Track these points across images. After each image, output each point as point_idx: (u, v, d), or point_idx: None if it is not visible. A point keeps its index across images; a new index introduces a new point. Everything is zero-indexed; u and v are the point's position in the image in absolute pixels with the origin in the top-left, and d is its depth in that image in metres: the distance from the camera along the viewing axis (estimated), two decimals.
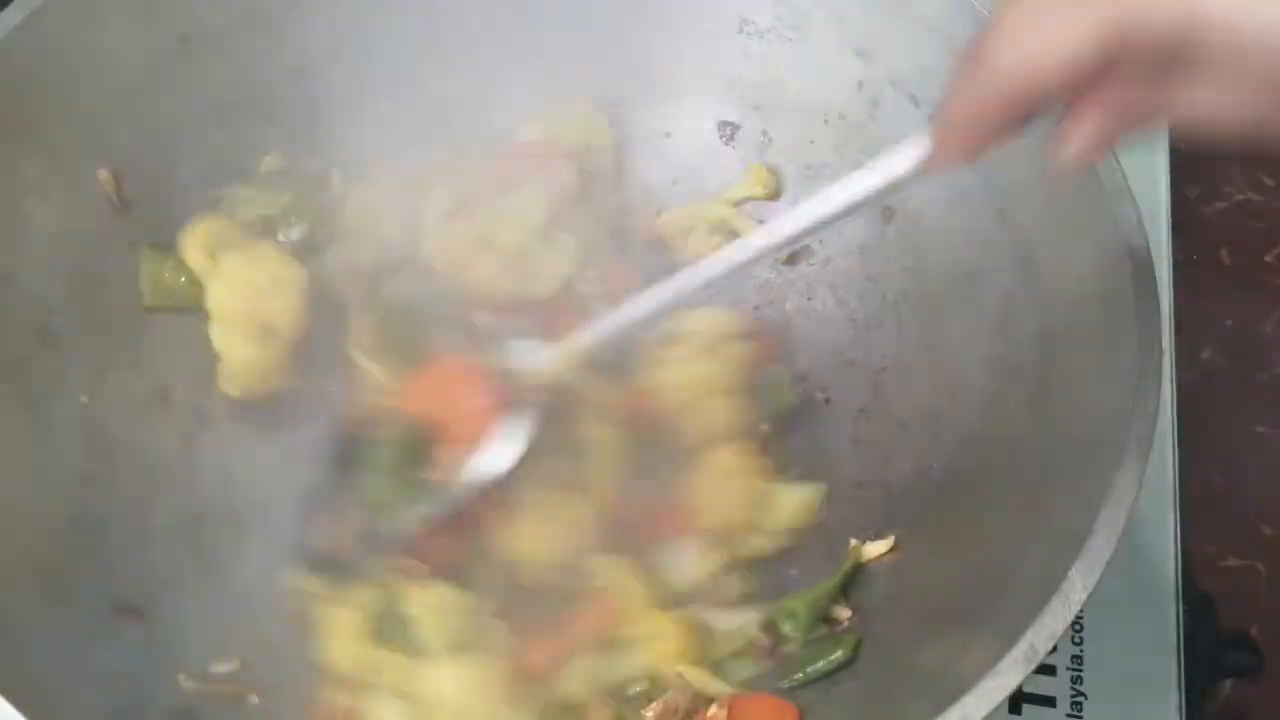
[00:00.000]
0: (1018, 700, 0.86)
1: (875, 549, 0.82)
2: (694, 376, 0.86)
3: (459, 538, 0.80)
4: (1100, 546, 0.63)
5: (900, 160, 0.63)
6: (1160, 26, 0.51)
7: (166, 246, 0.87)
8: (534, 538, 0.79)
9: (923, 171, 0.62)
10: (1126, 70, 0.53)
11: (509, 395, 0.79)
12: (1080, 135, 0.56)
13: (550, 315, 0.87)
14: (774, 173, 0.95)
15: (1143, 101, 0.55)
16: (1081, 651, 0.87)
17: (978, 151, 0.60)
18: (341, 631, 0.76)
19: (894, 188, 0.64)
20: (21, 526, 0.75)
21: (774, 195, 0.95)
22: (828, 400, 0.90)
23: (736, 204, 0.95)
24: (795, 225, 0.68)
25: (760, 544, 0.84)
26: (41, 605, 0.74)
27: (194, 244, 0.86)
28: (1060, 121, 0.57)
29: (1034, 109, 0.56)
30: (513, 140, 0.94)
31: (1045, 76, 0.53)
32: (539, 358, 0.80)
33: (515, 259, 0.89)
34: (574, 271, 0.91)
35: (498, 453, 0.79)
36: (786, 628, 0.79)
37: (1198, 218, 1.62)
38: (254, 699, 0.77)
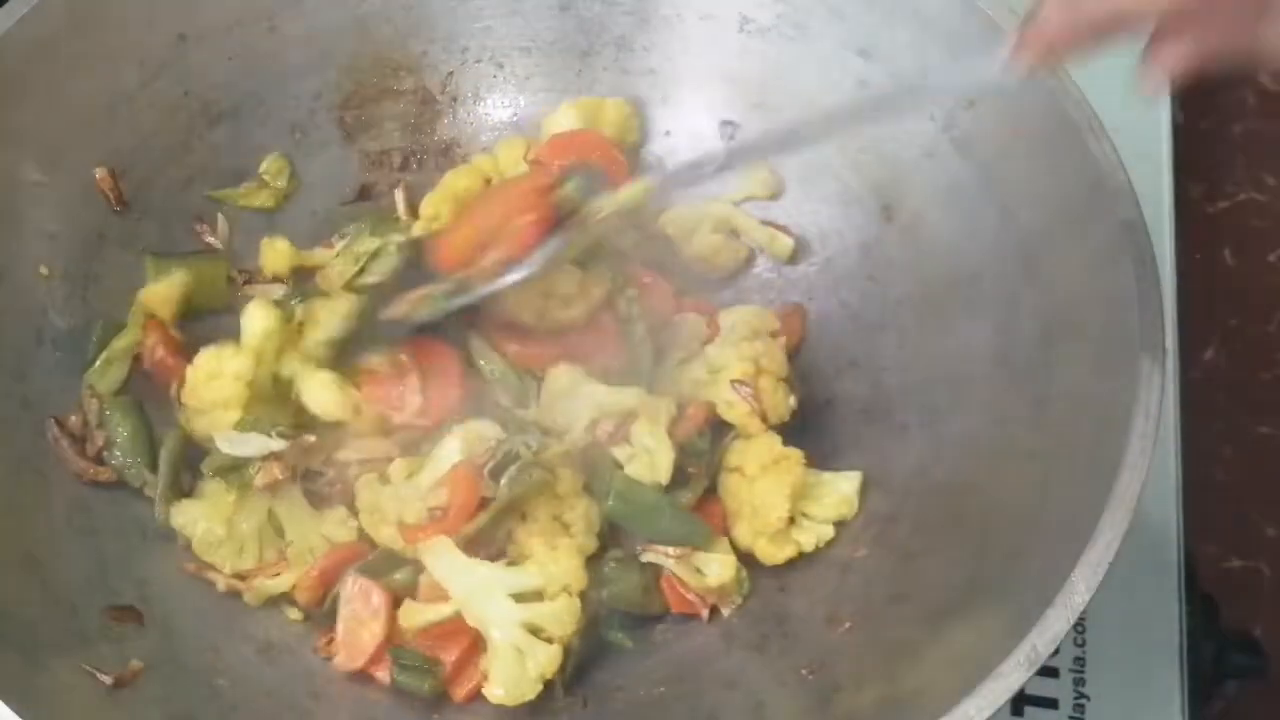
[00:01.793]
0: (1020, 702, 0.85)
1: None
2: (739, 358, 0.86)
3: None
4: (1103, 548, 0.63)
5: (982, 63, 0.63)
6: None
7: (165, 254, 0.87)
8: None
9: (1002, 75, 0.62)
10: (1212, 7, 0.54)
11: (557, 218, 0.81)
12: (1167, 60, 0.57)
13: None
14: (774, 173, 0.94)
15: (1237, 31, 0.55)
16: (1084, 653, 0.87)
17: (1060, 60, 0.61)
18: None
19: (972, 88, 0.67)
20: (22, 526, 0.75)
21: (775, 195, 0.95)
22: (829, 401, 0.90)
23: (738, 203, 0.95)
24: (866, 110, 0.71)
25: (808, 538, 0.83)
26: (40, 605, 0.74)
27: None
28: (1149, 45, 0.57)
29: (1130, 29, 0.57)
30: (546, 134, 0.94)
31: (1137, 7, 0.55)
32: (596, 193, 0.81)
33: None
34: None
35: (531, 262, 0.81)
36: None
37: (1200, 217, 1.62)
38: None
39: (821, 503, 0.84)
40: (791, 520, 0.83)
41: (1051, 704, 0.85)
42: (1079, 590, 0.62)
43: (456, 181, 0.93)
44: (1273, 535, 1.50)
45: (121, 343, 0.84)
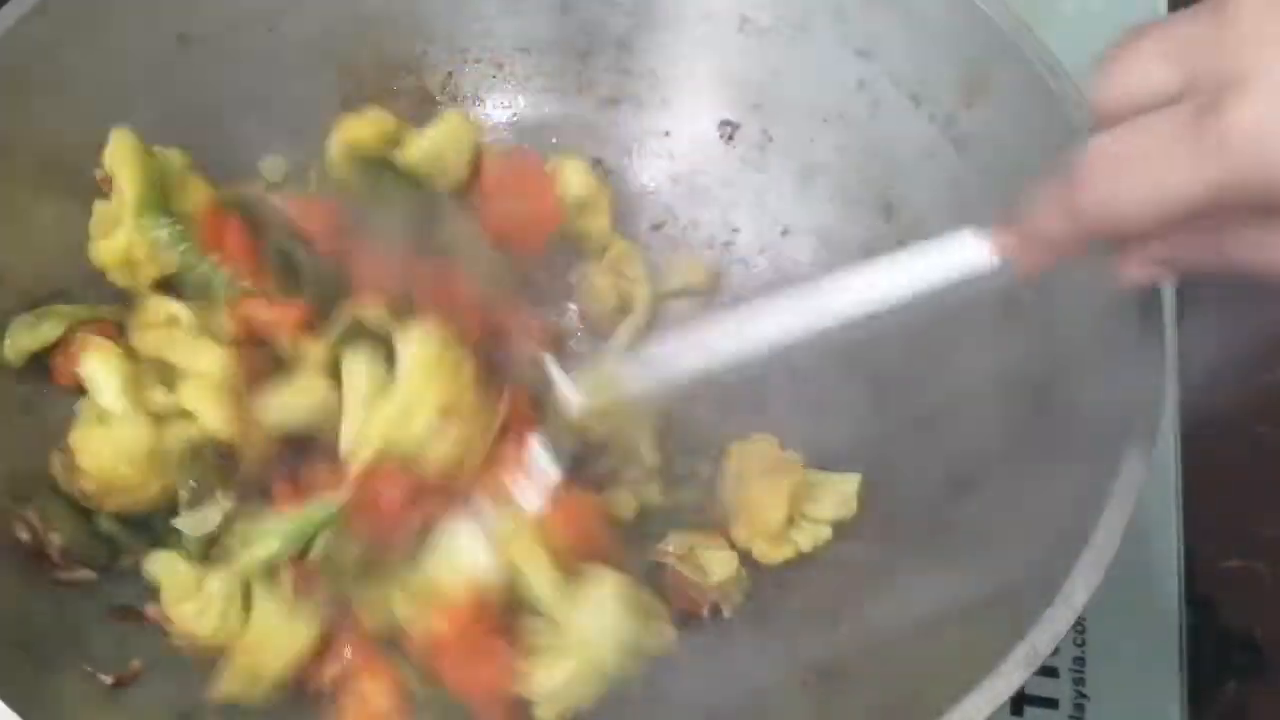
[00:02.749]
0: (1019, 702, 0.86)
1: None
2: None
3: None
4: (1102, 547, 0.63)
5: (963, 258, 0.61)
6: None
7: None
8: None
9: (984, 272, 0.60)
10: (1220, 217, 0.51)
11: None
12: (1144, 268, 0.55)
13: None
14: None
15: (1212, 246, 0.52)
16: (1084, 653, 0.87)
17: (1045, 267, 0.58)
18: None
19: (949, 284, 0.61)
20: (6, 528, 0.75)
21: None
22: (829, 400, 0.90)
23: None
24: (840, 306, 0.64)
25: (805, 539, 0.83)
26: (39, 604, 0.74)
27: None
28: (1127, 249, 0.55)
29: (1119, 240, 0.55)
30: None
31: (1141, 219, 0.51)
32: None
33: None
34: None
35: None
36: None
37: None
38: None
39: (820, 503, 0.84)
40: (790, 520, 0.83)
41: (1051, 704, 0.85)
42: (1079, 590, 0.62)
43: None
44: (1272, 535, 1.49)
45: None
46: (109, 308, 0.83)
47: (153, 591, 0.76)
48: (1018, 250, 0.59)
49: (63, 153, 0.82)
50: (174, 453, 0.76)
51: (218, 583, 0.75)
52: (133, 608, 0.77)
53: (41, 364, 0.80)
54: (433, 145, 0.85)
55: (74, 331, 0.80)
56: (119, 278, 0.82)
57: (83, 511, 0.77)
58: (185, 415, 0.77)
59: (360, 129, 0.85)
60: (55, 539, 0.75)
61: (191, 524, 0.76)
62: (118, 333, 0.82)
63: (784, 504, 0.81)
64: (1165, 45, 0.52)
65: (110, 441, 0.75)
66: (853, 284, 0.64)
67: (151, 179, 0.80)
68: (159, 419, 0.77)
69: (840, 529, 0.84)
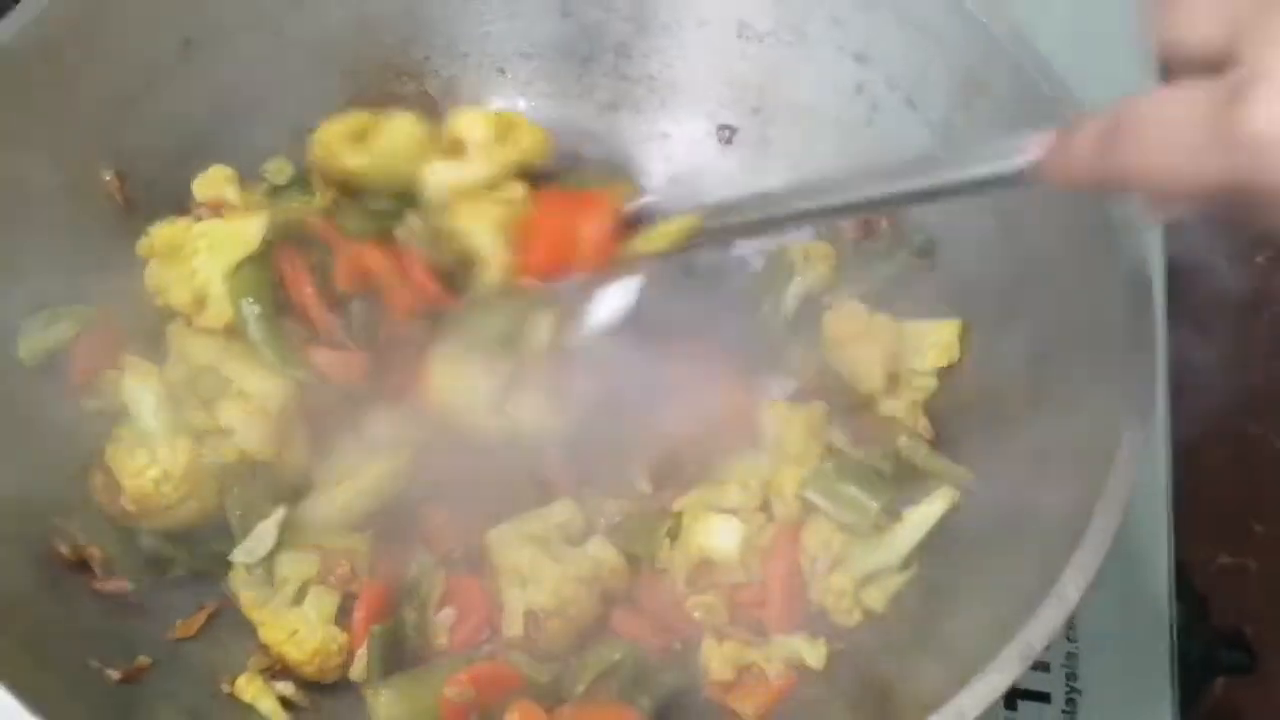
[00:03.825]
0: (1013, 696, 0.86)
1: None
2: None
3: None
4: (1095, 545, 0.64)
5: (1008, 160, 0.60)
6: None
7: None
8: None
9: (1024, 178, 0.60)
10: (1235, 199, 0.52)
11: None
12: (1170, 208, 0.55)
13: None
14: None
15: (1242, 217, 0.53)
16: (1076, 649, 0.88)
17: (1065, 187, 0.59)
18: None
19: (989, 183, 0.62)
20: (23, 528, 0.76)
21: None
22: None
23: None
24: (882, 190, 0.66)
25: (918, 391, 0.84)
26: (48, 601, 0.74)
27: None
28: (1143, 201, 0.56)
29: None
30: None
31: (1158, 188, 0.52)
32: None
33: None
34: None
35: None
36: None
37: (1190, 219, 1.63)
38: None
39: (923, 355, 0.84)
40: (896, 377, 0.84)
41: (1044, 698, 0.86)
42: (1071, 587, 0.63)
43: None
44: (1262, 533, 1.50)
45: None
46: (120, 312, 0.83)
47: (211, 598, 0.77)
48: (1049, 161, 0.59)
49: (69, 154, 0.83)
50: (213, 471, 0.76)
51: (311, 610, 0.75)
52: (141, 604, 0.77)
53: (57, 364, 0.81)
54: (380, 151, 0.78)
55: (85, 332, 0.80)
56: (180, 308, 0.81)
57: (123, 527, 0.77)
58: (223, 433, 0.78)
59: (333, 131, 0.81)
60: (96, 553, 0.76)
61: (246, 552, 0.76)
62: (129, 337, 0.83)
63: (878, 368, 0.83)
64: (1216, 5, 0.53)
65: (150, 462, 0.75)
66: (894, 172, 0.65)
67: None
68: (198, 437, 0.77)
69: None
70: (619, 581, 0.79)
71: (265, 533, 0.76)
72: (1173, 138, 0.51)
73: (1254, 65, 0.49)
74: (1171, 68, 0.54)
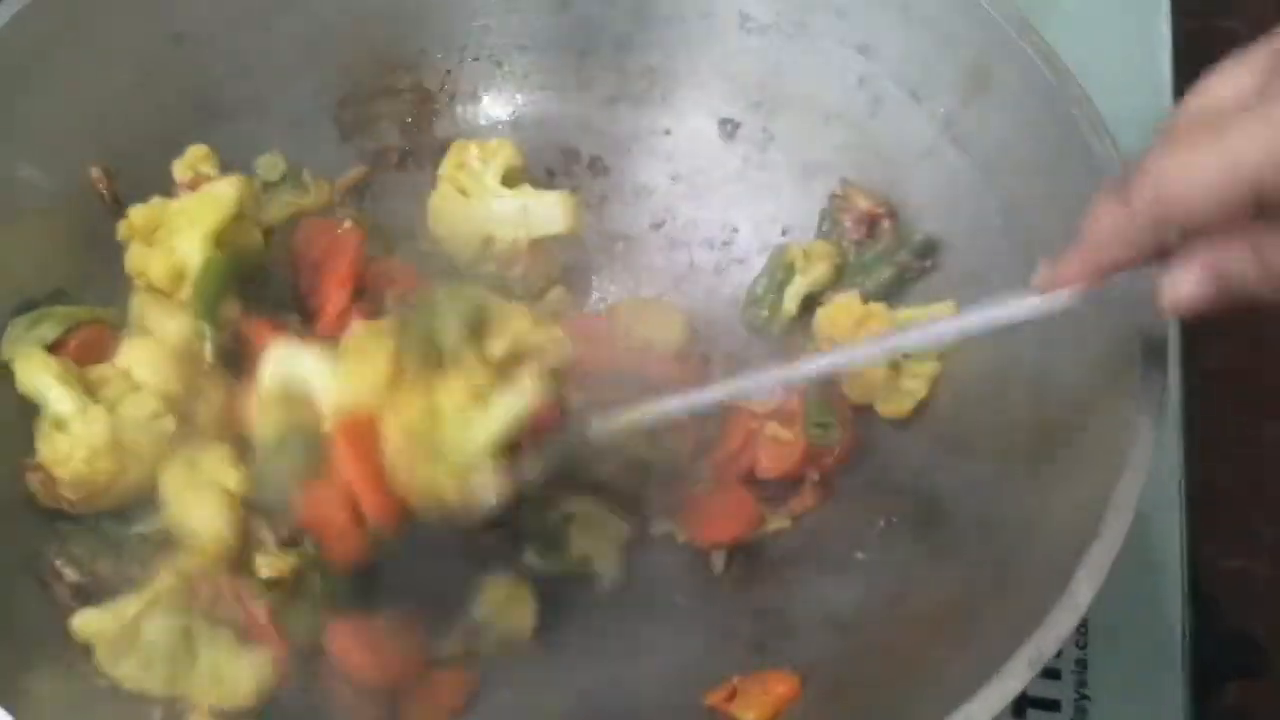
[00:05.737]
0: (1022, 704, 0.85)
1: None
2: None
3: None
4: (1105, 549, 0.63)
5: (1026, 303, 0.63)
6: None
7: None
8: None
9: (1048, 306, 0.62)
10: (1265, 219, 0.52)
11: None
12: (1192, 281, 0.55)
13: None
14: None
15: (1270, 254, 0.53)
16: (1086, 655, 0.87)
17: (1107, 275, 0.59)
18: None
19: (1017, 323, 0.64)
20: (22, 529, 0.75)
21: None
22: None
23: None
24: (905, 343, 0.72)
25: (918, 383, 0.84)
26: (34, 604, 0.73)
27: None
28: (1174, 262, 0.55)
29: (1173, 238, 0.55)
30: None
31: (1203, 194, 0.51)
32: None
33: None
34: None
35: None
36: None
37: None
38: None
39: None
40: (896, 368, 0.83)
41: (1054, 705, 0.85)
42: (1081, 592, 0.62)
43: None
44: (1274, 536, 1.49)
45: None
46: (108, 310, 0.83)
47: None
48: (1084, 259, 0.59)
49: (56, 150, 0.82)
50: (136, 426, 0.74)
51: (154, 632, 0.71)
52: None
53: None
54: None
55: (73, 332, 0.79)
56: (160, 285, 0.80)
57: (91, 530, 0.76)
58: (134, 389, 0.76)
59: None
60: (70, 574, 0.74)
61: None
62: (117, 336, 0.81)
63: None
64: (1254, 57, 0.54)
65: (74, 442, 0.73)
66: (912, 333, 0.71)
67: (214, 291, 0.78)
68: (112, 404, 0.75)
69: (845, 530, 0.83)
70: None
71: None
72: (1208, 136, 0.51)
73: None
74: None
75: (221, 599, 0.73)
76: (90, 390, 0.76)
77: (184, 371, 0.76)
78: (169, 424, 0.75)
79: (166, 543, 0.75)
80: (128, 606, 0.71)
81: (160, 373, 0.76)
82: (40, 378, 0.76)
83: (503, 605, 0.79)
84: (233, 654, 0.72)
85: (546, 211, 0.89)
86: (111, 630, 0.70)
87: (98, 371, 0.77)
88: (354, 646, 0.73)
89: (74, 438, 0.74)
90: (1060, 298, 0.61)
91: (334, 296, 0.84)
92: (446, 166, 0.91)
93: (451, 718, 0.77)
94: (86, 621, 0.71)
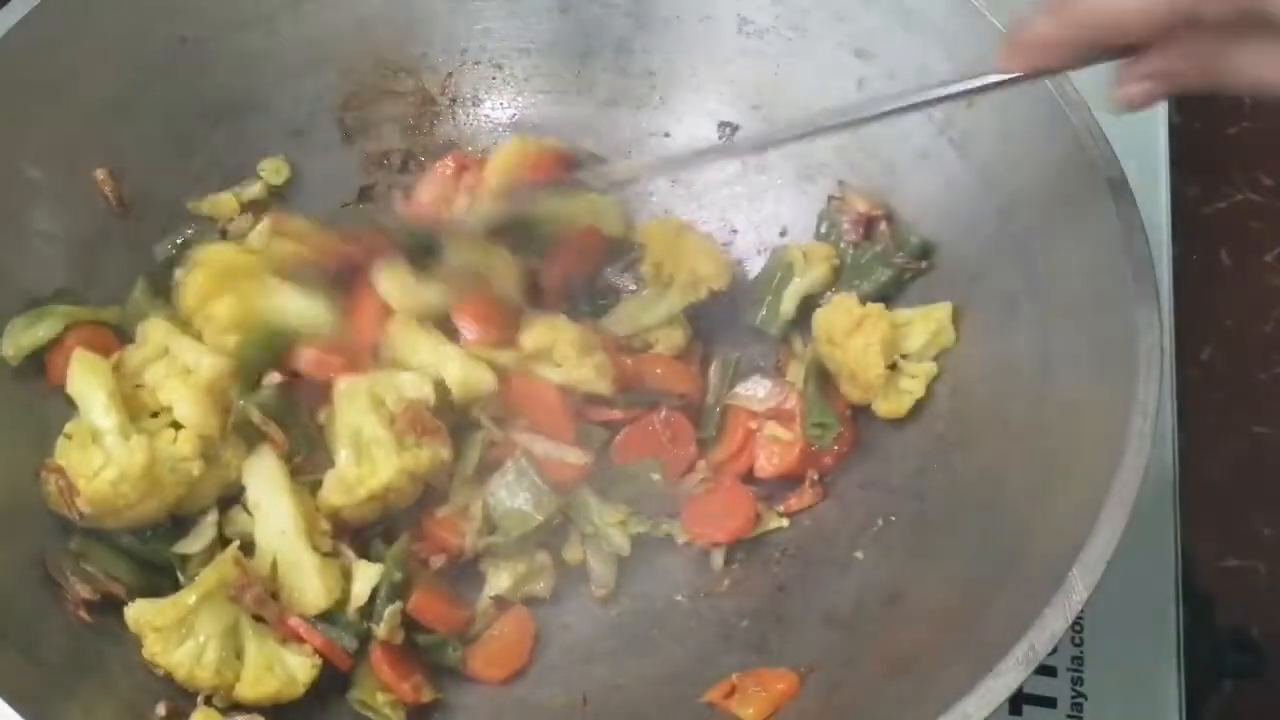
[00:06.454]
0: (1018, 701, 0.86)
1: None
2: None
3: None
4: (1101, 547, 0.63)
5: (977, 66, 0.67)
6: None
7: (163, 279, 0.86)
8: None
9: (996, 77, 0.66)
10: (1198, 28, 0.56)
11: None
12: (1139, 83, 0.60)
13: None
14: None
15: (1207, 59, 0.58)
16: (1082, 652, 0.87)
17: (1050, 68, 0.64)
18: None
19: (965, 94, 0.69)
20: (21, 530, 0.75)
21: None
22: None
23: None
24: (866, 112, 0.74)
25: (916, 383, 0.85)
26: (43, 604, 0.74)
27: None
28: (1124, 66, 0.60)
29: (1104, 49, 0.60)
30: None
31: (1123, 19, 0.57)
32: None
33: None
34: None
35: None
36: None
37: (1197, 218, 1.62)
38: None
39: (917, 340, 0.85)
40: (894, 367, 0.84)
41: (1050, 703, 0.85)
42: (1077, 589, 0.62)
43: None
44: (1269, 535, 1.50)
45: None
46: (109, 309, 0.83)
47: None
48: (1017, 52, 0.64)
49: (62, 152, 0.82)
50: (171, 466, 0.75)
51: (207, 623, 0.72)
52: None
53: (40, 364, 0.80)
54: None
55: (71, 331, 0.80)
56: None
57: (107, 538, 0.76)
58: (173, 424, 0.76)
59: None
60: (81, 591, 0.74)
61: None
62: (116, 336, 0.82)
63: (880, 359, 0.83)
64: None
65: (107, 463, 0.73)
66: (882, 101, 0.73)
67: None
68: (152, 434, 0.75)
69: (842, 528, 0.84)
70: None
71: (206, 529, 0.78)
72: None
73: None
74: None
75: (266, 604, 0.75)
76: (133, 414, 0.76)
77: (212, 407, 0.77)
78: (197, 469, 0.76)
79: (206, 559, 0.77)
80: (186, 596, 0.73)
81: (201, 416, 0.76)
82: (92, 384, 0.75)
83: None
84: (281, 649, 0.74)
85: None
86: (169, 620, 0.72)
87: (142, 398, 0.77)
88: (430, 603, 0.79)
89: (109, 456, 0.73)
90: (991, 78, 0.66)
91: None
92: None
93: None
94: (140, 612, 0.73)
